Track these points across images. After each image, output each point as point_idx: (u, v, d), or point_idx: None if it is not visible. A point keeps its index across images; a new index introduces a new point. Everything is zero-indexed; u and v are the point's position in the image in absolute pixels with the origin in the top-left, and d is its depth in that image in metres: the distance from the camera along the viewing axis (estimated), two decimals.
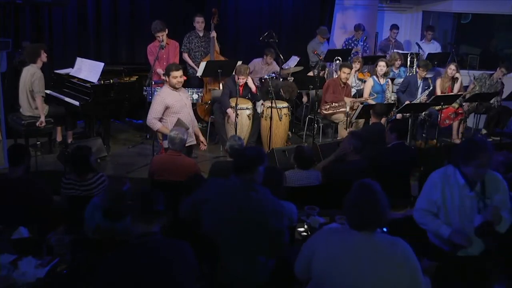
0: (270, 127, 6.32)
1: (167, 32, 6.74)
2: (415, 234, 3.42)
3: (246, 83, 6.56)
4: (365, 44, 9.04)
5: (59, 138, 6.70)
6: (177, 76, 5.31)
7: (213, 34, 7.37)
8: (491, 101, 7.70)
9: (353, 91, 7.54)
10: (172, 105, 5.29)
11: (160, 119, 5.32)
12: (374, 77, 7.25)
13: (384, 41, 9.39)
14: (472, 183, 3.04)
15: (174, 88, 5.34)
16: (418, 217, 3.24)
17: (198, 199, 3.07)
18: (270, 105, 6.32)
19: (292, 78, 7.72)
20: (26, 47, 6.43)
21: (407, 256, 2.32)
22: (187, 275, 2.48)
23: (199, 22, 7.43)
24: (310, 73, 7.98)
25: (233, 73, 6.59)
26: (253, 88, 6.67)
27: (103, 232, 3.24)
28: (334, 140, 6.61)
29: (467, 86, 8.25)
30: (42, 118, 5.97)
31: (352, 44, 8.99)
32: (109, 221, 3.26)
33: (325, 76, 7.86)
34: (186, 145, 5.04)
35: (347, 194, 2.46)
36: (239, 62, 7.22)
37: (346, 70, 6.98)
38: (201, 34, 7.51)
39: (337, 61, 7.90)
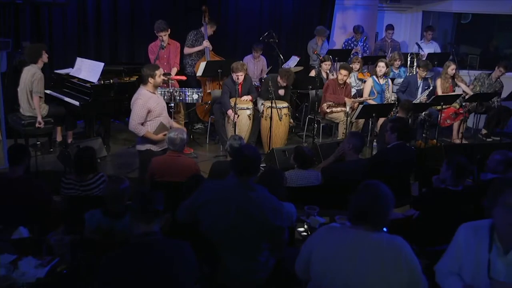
0: (270, 127, 6.32)
1: (169, 32, 6.73)
2: (415, 233, 3.43)
3: (244, 80, 6.55)
4: (365, 44, 9.05)
5: (59, 138, 6.70)
6: (161, 74, 5.18)
7: (207, 44, 7.30)
8: (491, 101, 7.71)
9: (353, 91, 7.54)
10: (153, 109, 5.08)
11: (142, 124, 5.12)
12: (374, 77, 7.26)
13: (380, 41, 9.41)
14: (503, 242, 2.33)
15: (154, 89, 5.18)
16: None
17: (196, 203, 3.06)
18: (270, 105, 6.33)
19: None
20: (26, 47, 6.42)
21: (406, 255, 2.31)
22: (187, 275, 2.48)
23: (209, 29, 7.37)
24: (312, 73, 7.97)
25: (231, 72, 6.56)
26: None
27: (103, 231, 3.24)
28: (334, 140, 6.62)
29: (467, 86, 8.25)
30: (39, 119, 5.96)
31: (352, 45, 8.99)
32: (109, 219, 3.26)
33: (327, 72, 7.83)
34: (163, 148, 4.97)
35: (353, 195, 2.42)
36: None
37: (343, 71, 6.98)
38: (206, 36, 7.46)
39: (336, 59, 7.94)
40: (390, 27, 9.12)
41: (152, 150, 5.03)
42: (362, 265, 2.29)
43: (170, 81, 6.37)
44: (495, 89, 7.75)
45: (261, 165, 6.11)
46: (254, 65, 7.83)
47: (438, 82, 7.56)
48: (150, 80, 5.09)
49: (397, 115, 6.40)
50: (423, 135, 7.29)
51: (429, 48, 8.99)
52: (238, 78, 6.42)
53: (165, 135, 4.94)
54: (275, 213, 2.94)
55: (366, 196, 2.38)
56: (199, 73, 7.14)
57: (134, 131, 5.09)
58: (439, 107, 6.92)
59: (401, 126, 4.82)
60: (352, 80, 7.70)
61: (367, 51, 9.13)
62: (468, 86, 8.05)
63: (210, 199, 2.99)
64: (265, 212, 2.91)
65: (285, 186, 3.89)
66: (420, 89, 7.32)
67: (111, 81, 6.45)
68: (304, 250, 2.53)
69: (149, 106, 5.05)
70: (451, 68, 7.48)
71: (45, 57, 6.09)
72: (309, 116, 7.45)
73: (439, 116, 6.97)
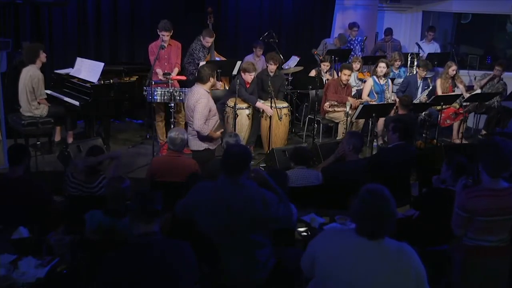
0: (270, 127, 6.32)
1: (171, 33, 6.70)
2: (415, 233, 3.43)
3: (252, 80, 6.55)
4: (363, 45, 9.02)
5: (57, 138, 6.70)
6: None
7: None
8: (491, 101, 7.70)
9: (353, 91, 7.54)
10: (212, 108, 5.25)
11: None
12: (374, 77, 7.26)
13: (380, 41, 9.41)
14: None
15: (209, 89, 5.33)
16: None
17: (188, 204, 3.08)
18: (270, 105, 6.32)
19: (292, 78, 7.74)
20: (24, 47, 6.41)
21: (415, 263, 2.29)
22: (187, 276, 2.48)
23: (208, 42, 7.16)
24: (312, 73, 7.95)
25: (242, 72, 6.53)
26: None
27: (104, 231, 3.24)
28: (334, 140, 6.62)
29: (472, 86, 8.25)
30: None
31: (350, 45, 8.96)
32: (110, 219, 3.26)
33: (325, 72, 7.83)
34: (217, 145, 5.34)
35: (355, 200, 2.36)
36: (239, 62, 7.21)
37: (346, 72, 6.98)
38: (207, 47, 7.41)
39: (336, 59, 7.93)
40: (388, 32, 9.09)
41: (210, 149, 5.10)
42: (369, 272, 2.26)
43: (170, 81, 6.36)
44: (498, 90, 7.73)
45: (261, 165, 6.16)
46: (256, 63, 7.81)
47: (438, 82, 7.55)
48: (211, 79, 5.24)
49: (398, 112, 6.39)
50: (423, 135, 7.29)
51: (430, 48, 8.98)
52: (248, 77, 6.41)
53: (221, 132, 5.30)
54: (266, 205, 2.92)
55: (375, 208, 2.31)
56: None
57: (200, 131, 5.15)
58: (439, 107, 6.91)
59: (403, 126, 4.80)
60: (352, 80, 7.70)
61: (365, 49, 9.10)
62: (468, 88, 8.04)
63: (201, 200, 3.00)
64: (255, 207, 2.90)
65: (288, 186, 3.88)
66: (420, 89, 7.32)
67: (111, 81, 6.45)
68: (310, 248, 2.51)
69: (210, 105, 5.21)
70: (452, 69, 7.46)
71: (43, 57, 6.07)
72: (309, 116, 7.45)
73: (439, 116, 6.97)
